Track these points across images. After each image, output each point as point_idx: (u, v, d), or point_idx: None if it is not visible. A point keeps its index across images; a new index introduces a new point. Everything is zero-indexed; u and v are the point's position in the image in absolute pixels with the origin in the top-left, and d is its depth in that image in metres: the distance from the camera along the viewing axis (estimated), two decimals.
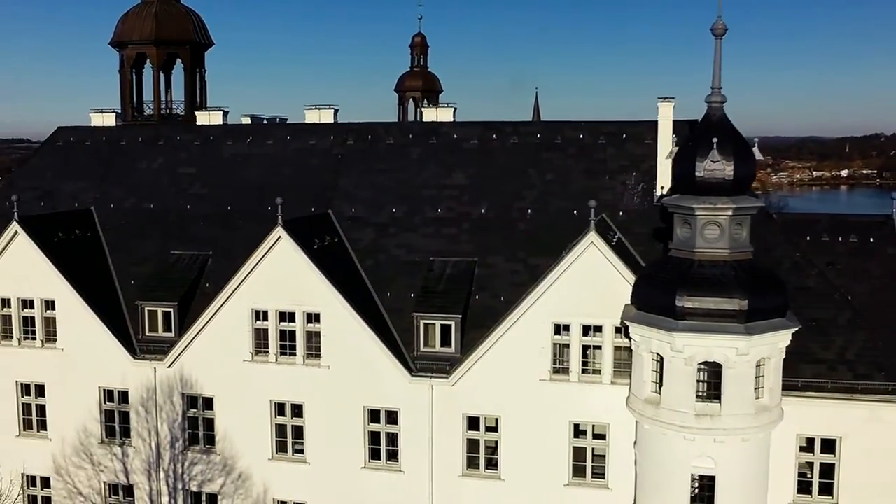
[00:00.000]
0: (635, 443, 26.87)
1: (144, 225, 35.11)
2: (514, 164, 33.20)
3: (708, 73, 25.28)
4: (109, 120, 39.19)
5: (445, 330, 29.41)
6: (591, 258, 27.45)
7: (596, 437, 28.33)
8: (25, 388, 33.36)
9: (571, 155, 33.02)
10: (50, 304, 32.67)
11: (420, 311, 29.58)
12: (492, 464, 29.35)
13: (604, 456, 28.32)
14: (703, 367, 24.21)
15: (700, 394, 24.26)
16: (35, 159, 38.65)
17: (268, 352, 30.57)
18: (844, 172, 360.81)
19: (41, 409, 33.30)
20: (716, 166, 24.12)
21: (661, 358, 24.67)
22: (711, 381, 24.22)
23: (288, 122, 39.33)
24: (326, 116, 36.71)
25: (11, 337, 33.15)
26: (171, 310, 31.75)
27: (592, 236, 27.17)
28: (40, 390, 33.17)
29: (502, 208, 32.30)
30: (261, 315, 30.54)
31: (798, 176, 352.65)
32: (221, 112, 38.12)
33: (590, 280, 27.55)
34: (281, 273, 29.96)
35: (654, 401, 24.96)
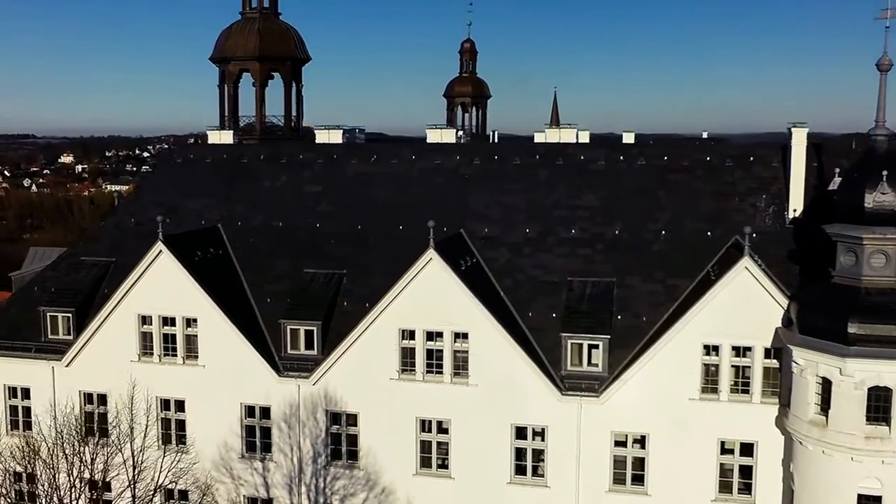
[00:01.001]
0: (784, 460, 27.77)
1: (274, 243, 35.87)
2: (643, 185, 34.02)
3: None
4: (227, 137, 39.99)
5: (593, 349, 30.26)
6: (743, 282, 28.28)
7: (742, 454, 29.22)
8: (165, 404, 34.16)
9: (699, 177, 33.84)
10: (191, 322, 33.47)
11: (567, 331, 30.42)
12: (637, 479, 30.22)
13: (749, 472, 29.20)
14: (870, 390, 25.05)
15: (869, 417, 25.11)
16: (155, 175, 39.44)
17: (414, 370, 31.39)
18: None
19: (180, 424, 34.13)
20: (885, 198, 24.97)
21: (827, 381, 25.51)
22: (880, 405, 25.05)
23: (410, 139, 40.03)
24: (448, 136, 37.53)
25: (152, 353, 33.96)
26: (315, 328, 32.54)
27: (746, 261, 28.04)
28: (180, 405, 33.98)
29: (635, 229, 33.12)
30: (407, 334, 31.36)
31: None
32: (341, 130, 38.88)
33: (741, 303, 28.38)
34: (429, 293, 30.75)
35: (819, 423, 25.83)
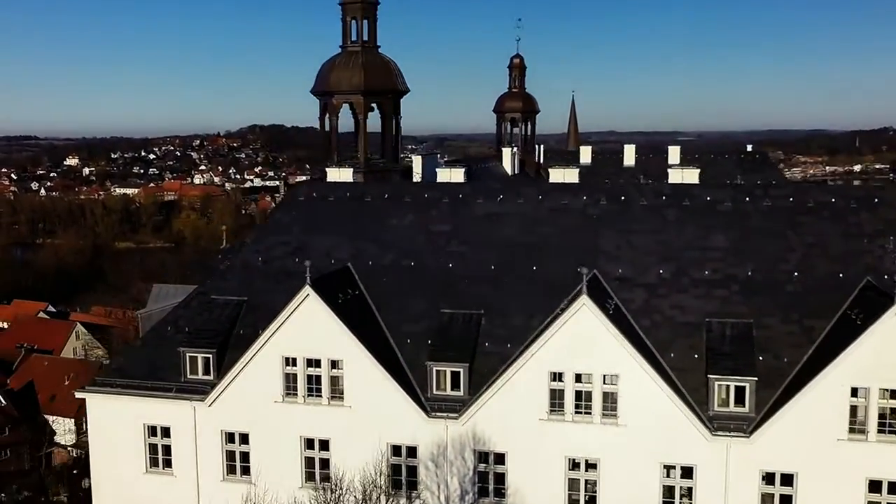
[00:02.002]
0: None
1: (407, 282, 36.79)
2: (771, 226, 35.13)
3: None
4: (346, 175, 40.91)
5: (739, 390, 31.35)
6: (892, 325, 29.40)
7: (890, 492, 30.37)
8: (308, 443, 35.11)
9: (826, 218, 34.95)
10: (336, 363, 34.42)
11: (714, 372, 31.52)
12: None
13: None
14: None
15: None
16: (279, 214, 40.30)
17: (563, 410, 32.44)
18: (857, 167, 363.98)
19: (324, 463, 35.10)
20: None
21: None
22: None
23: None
24: (571, 176, 38.53)
25: (296, 394, 34.91)
26: (462, 370, 33.53)
27: None
28: (324, 444, 34.94)
29: (767, 270, 34.22)
30: (557, 376, 32.40)
31: (811, 171, 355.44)
32: (462, 171, 39.82)
33: (891, 346, 29.48)
34: (580, 336, 31.79)
35: None
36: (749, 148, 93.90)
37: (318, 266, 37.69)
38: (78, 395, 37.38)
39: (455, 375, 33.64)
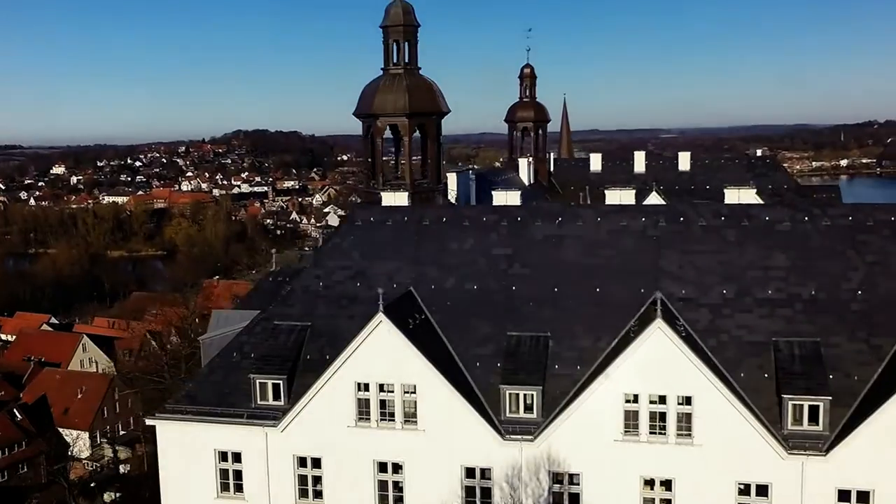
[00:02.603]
0: None
1: (471, 306, 37.24)
2: (831, 245, 35.83)
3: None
4: (401, 199, 41.34)
5: (813, 409, 32.06)
6: None
7: None
8: (381, 466, 35.53)
9: (886, 237, 35.70)
10: (408, 388, 34.86)
11: (788, 392, 32.20)
12: None
13: None
14: None
15: None
16: (336, 238, 40.66)
17: (638, 431, 33.05)
18: (844, 162, 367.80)
19: (396, 486, 35.55)
20: None
21: None
22: None
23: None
24: (628, 197, 39.13)
25: (368, 419, 35.31)
26: (535, 393, 34.07)
27: None
28: (396, 468, 35.37)
29: (830, 289, 34.93)
30: (632, 398, 33.00)
31: (798, 167, 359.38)
32: (519, 193, 40.33)
33: None
34: (654, 358, 32.40)
35: None
36: (759, 151, 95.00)
37: (381, 290, 38.23)
38: (149, 422, 37.60)
39: (528, 398, 34.15)
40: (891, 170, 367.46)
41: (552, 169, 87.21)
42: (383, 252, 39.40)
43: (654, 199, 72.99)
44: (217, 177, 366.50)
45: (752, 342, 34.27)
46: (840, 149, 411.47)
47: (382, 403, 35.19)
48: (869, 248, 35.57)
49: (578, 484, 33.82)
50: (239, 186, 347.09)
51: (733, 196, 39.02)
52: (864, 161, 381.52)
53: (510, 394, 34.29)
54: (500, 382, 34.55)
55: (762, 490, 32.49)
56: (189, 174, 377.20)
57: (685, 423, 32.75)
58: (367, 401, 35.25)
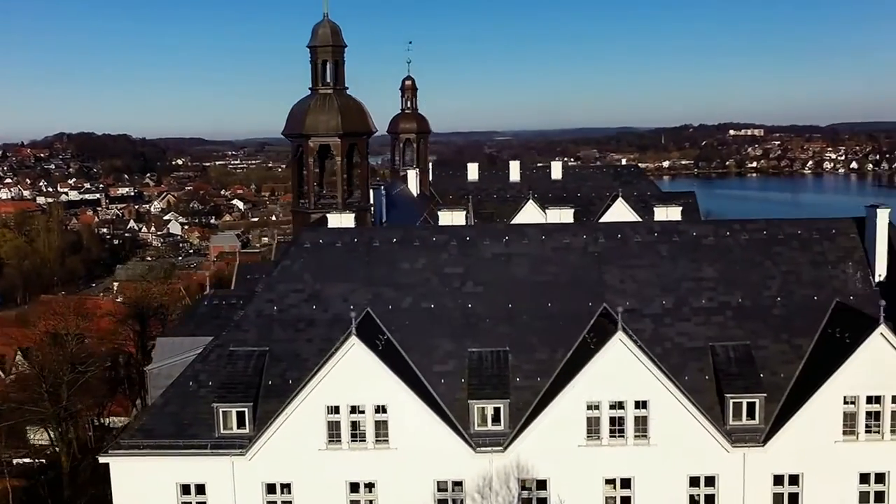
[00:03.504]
0: None
1: (429, 324, 38.74)
2: (751, 257, 39.88)
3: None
4: (348, 221, 42.22)
5: (751, 406, 35.78)
6: (878, 344, 34.74)
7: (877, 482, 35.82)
8: (353, 487, 36.41)
9: (795, 248, 40.10)
10: (380, 408, 35.94)
11: (728, 391, 35.78)
12: None
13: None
14: None
15: None
16: (286, 261, 40.92)
17: (599, 436, 35.70)
18: (666, 163, 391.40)
19: None
20: None
21: None
22: None
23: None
24: (567, 216, 41.80)
25: (339, 440, 36.10)
26: (502, 406, 36.00)
27: (882, 328, 34.49)
28: (369, 487, 36.37)
29: (754, 297, 38.92)
30: (594, 405, 35.60)
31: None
32: (464, 213, 42.14)
33: (876, 360, 34.83)
34: (615, 369, 35.14)
35: None
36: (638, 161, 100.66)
37: (337, 312, 39.10)
38: (102, 459, 36.58)
39: (496, 411, 36.07)
40: (706, 170, 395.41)
41: (431, 179, 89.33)
42: (335, 274, 40.15)
43: (530, 206, 76.75)
44: (41, 183, 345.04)
45: (692, 348, 37.69)
46: (662, 151, 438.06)
47: (353, 424, 36.09)
48: (783, 258, 39.85)
49: (546, 489, 36.08)
50: (67, 193, 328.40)
51: (662, 214, 42.47)
52: (683, 163, 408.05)
53: (478, 407, 36.07)
54: (467, 397, 36.29)
55: (710, 481, 35.93)
56: (8, 181, 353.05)
57: (642, 425, 35.69)
58: (338, 423, 36.03)
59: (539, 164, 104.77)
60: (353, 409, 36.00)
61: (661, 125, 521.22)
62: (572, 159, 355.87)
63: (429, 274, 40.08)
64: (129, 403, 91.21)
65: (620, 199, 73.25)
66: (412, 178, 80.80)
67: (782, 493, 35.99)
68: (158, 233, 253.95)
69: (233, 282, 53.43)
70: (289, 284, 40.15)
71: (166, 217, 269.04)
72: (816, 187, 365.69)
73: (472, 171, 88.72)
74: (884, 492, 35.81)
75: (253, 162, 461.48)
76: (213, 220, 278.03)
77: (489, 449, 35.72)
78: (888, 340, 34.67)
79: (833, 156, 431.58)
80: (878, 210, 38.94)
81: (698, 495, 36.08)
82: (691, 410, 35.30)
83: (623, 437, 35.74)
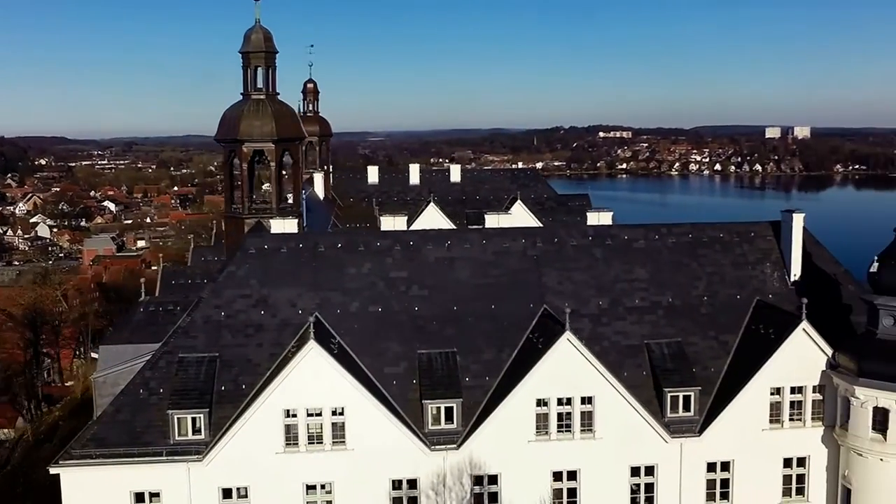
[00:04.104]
0: (831, 468, 38.06)
1: (378, 328, 39.52)
2: (678, 259, 42.53)
3: None
4: (291, 226, 42.46)
5: (686, 398, 38.34)
6: (800, 338, 37.94)
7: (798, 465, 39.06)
8: (310, 489, 36.85)
9: (718, 251, 43.01)
10: (336, 411, 36.54)
11: (666, 385, 38.21)
12: (724, 496, 38.88)
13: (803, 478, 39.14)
14: None
15: None
16: (232, 267, 40.79)
17: (548, 431, 37.45)
18: (539, 164, 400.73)
19: None
20: None
21: (884, 410, 35.83)
22: None
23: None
24: (505, 221, 43.39)
25: (296, 443, 36.49)
26: (454, 405, 37.22)
27: (804, 324, 37.66)
28: (325, 488, 36.90)
29: (683, 296, 41.55)
30: (542, 402, 37.30)
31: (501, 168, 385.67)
32: (405, 218, 43.10)
33: (798, 353, 38.00)
34: (563, 367, 36.97)
35: (878, 439, 36.13)
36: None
37: (286, 317, 39.45)
38: (53, 470, 35.67)
39: (448, 410, 37.25)
40: (578, 171, 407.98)
41: (332, 182, 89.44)
42: (282, 279, 40.36)
43: (431, 209, 78.19)
44: None
45: (629, 345, 39.96)
46: (535, 152, 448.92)
47: (310, 426, 36.53)
48: (707, 260, 42.69)
49: (497, 483, 37.54)
50: None
51: (594, 219, 44.61)
52: (556, 164, 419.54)
53: (432, 407, 37.17)
54: (420, 398, 37.33)
55: (650, 470, 38.27)
56: None
57: (587, 420, 37.66)
58: (296, 426, 36.43)
59: (439, 168, 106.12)
60: (311, 413, 36.47)
61: (532, 127, 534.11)
62: (447, 161, 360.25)
63: (375, 278, 40.84)
64: (17, 415, 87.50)
65: (519, 201, 74.96)
66: (318, 181, 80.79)
67: (715, 479, 38.70)
68: (26, 236, 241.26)
69: (157, 288, 52.42)
70: (235, 290, 40.10)
71: (33, 220, 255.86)
72: (683, 188, 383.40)
73: (373, 173, 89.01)
74: (804, 475, 39.05)
75: (121, 162, 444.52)
76: (83, 223, 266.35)
77: (443, 447, 36.88)
78: (809, 336, 37.86)
79: (698, 158, 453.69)
80: (794, 215, 42.27)
81: (639, 484, 38.34)
82: (633, 404, 37.49)
83: (570, 431, 37.60)
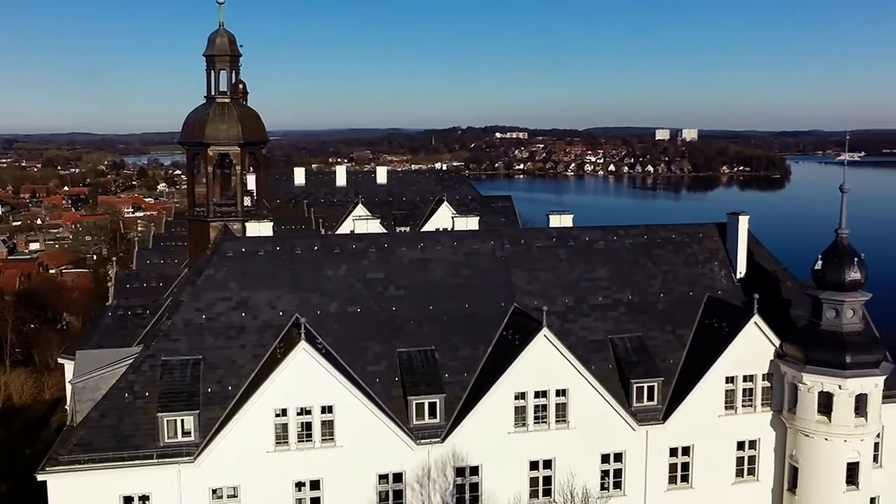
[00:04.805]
0: (778, 448, 41.56)
1: (358, 328, 40.74)
2: (635, 258, 45.30)
3: None
4: (266, 229, 43.17)
5: (650, 389, 41.08)
6: (752, 331, 41.22)
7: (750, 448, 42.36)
8: (300, 486, 37.81)
9: (671, 251, 46.01)
10: (325, 409, 37.63)
11: (632, 377, 40.86)
12: (685, 479, 41.82)
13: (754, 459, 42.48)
14: (857, 396, 39.45)
15: (855, 413, 39.51)
16: (210, 270, 41.19)
17: (525, 423, 39.53)
18: (438, 165, 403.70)
19: (315, 501, 38.06)
20: (856, 275, 39.40)
21: (828, 394, 39.39)
22: (861, 405, 39.54)
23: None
24: (473, 223, 45.28)
25: (286, 442, 37.41)
26: (438, 400, 38.86)
27: (756, 318, 40.96)
28: (315, 484, 37.93)
29: (641, 294, 44.33)
30: (520, 395, 39.35)
31: (399, 169, 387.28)
32: (378, 221, 44.39)
33: (750, 345, 41.28)
34: (540, 362, 39.10)
35: (823, 421, 39.67)
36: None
37: (266, 319, 40.26)
38: (40, 477, 35.47)
39: (432, 405, 38.86)
40: (477, 172, 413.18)
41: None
42: (261, 281, 41.07)
43: (360, 210, 79.49)
44: None
45: (595, 340, 42.42)
46: (433, 152, 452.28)
47: (300, 425, 37.51)
48: (661, 259, 45.62)
49: (478, 474, 39.38)
50: None
51: (556, 221, 46.87)
52: (454, 164, 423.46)
53: (416, 403, 38.70)
54: (404, 394, 38.82)
55: (618, 457, 40.85)
56: None
57: (562, 411, 39.92)
58: (286, 425, 37.35)
59: (366, 170, 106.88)
60: (301, 411, 37.45)
61: (430, 127, 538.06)
62: (346, 160, 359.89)
63: (352, 280, 42.02)
64: None
65: (445, 202, 76.80)
66: (251, 182, 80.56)
67: (677, 463, 41.60)
68: None
69: (110, 293, 51.94)
70: (215, 293, 40.58)
71: None
72: (579, 188, 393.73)
73: (299, 175, 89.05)
74: (755, 456, 42.38)
75: (3, 161, 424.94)
76: None
77: (428, 441, 38.46)
78: (760, 328, 41.19)
79: (593, 159, 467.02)
80: (740, 217, 45.63)
81: (608, 470, 40.86)
82: (605, 396, 39.97)
83: (546, 422, 39.78)
